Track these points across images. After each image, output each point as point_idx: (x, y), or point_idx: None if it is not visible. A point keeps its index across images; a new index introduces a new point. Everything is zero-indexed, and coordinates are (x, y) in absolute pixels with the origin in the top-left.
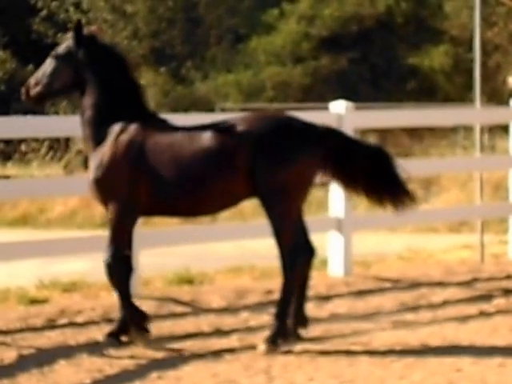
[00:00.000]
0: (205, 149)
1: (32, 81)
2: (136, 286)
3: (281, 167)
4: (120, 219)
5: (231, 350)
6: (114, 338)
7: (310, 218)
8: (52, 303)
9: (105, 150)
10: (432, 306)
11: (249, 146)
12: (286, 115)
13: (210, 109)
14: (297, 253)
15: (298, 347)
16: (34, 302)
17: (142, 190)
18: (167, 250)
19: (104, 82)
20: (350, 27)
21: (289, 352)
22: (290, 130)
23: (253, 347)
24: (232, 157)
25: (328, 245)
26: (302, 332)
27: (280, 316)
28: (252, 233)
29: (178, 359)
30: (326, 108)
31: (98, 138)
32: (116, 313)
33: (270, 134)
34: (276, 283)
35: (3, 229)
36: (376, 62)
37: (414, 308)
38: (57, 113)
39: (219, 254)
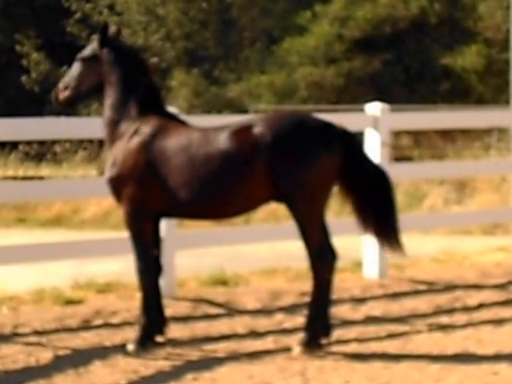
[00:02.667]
0: (221, 150)
1: (61, 85)
2: (171, 287)
3: (303, 167)
4: (133, 220)
5: (266, 352)
6: (143, 343)
7: (345, 220)
8: (87, 304)
9: (118, 151)
10: (467, 309)
11: (268, 146)
12: (302, 114)
13: (243, 110)
14: (325, 253)
15: (334, 349)
16: (69, 302)
17: (155, 192)
18: (202, 252)
19: (121, 83)
20: (383, 29)
21: (324, 354)
22: (310, 128)
23: (288, 349)
24: (250, 158)
25: (363, 247)
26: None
27: (314, 318)
28: (286, 234)
29: (213, 361)
30: (360, 110)
31: (113, 137)
32: None
33: (290, 134)
34: (311, 285)
35: (37, 229)
36: (409, 63)
37: (450, 311)
38: (89, 114)
39: (254, 255)
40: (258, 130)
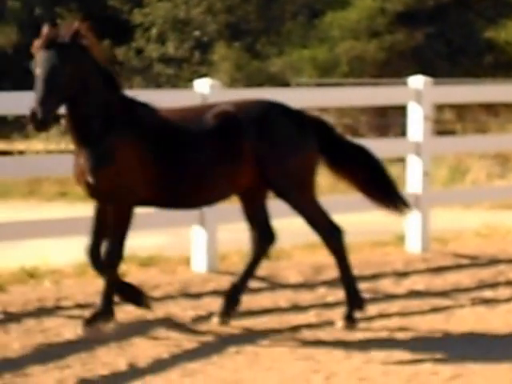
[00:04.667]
0: (206, 135)
1: None
2: (213, 260)
3: (291, 154)
4: (127, 215)
5: (308, 326)
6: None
7: None
8: (129, 277)
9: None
10: (510, 283)
11: (254, 133)
12: (272, 101)
13: (284, 84)
14: (332, 232)
15: (377, 323)
16: None
17: (143, 182)
18: (243, 226)
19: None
20: (426, 2)
21: (367, 328)
22: (291, 115)
23: (330, 323)
24: (236, 145)
25: (405, 221)
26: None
27: (351, 292)
28: (328, 208)
29: (256, 334)
30: (402, 83)
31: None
32: (193, 287)
33: (273, 121)
34: (353, 259)
35: (78, 203)
36: (452, 36)
37: (493, 285)
38: (131, 88)
39: (296, 229)
40: (241, 116)
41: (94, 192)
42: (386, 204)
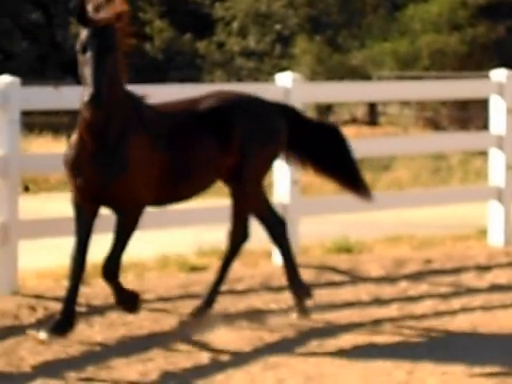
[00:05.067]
0: (202, 128)
1: None
2: (294, 254)
3: (268, 146)
4: (137, 222)
5: (390, 320)
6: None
7: (469, 187)
8: (211, 270)
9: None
10: None
11: (241, 125)
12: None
13: (365, 77)
14: (279, 220)
15: (459, 317)
16: (193, 269)
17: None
18: (325, 219)
19: None
20: None
21: (449, 322)
22: (267, 107)
23: (412, 316)
24: (227, 136)
25: (488, 214)
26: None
27: (296, 282)
28: (410, 201)
29: (338, 328)
30: (484, 77)
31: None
32: (275, 280)
33: (259, 112)
34: (435, 252)
35: None
36: None
37: None
38: (212, 81)
39: (377, 222)
40: (230, 107)
41: (108, 199)
42: (348, 186)
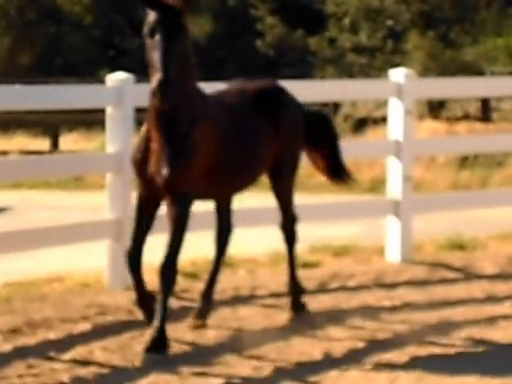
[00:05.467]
0: (254, 117)
1: None
2: (408, 251)
3: (300, 135)
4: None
5: (505, 317)
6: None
7: None
8: (323, 267)
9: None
10: None
11: (284, 114)
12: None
13: (478, 73)
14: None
15: None
16: (306, 265)
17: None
18: (438, 216)
19: None
20: None
21: None
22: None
23: None
24: (276, 125)
25: None
26: None
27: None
28: (498, 200)
29: (451, 325)
30: None
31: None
32: (388, 277)
33: (290, 102)
34: None
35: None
36: None
37: None
38: (323, 77)
39: (490, 219)
40: (275, 96)
41: (171, 190)
42: (331, 174)
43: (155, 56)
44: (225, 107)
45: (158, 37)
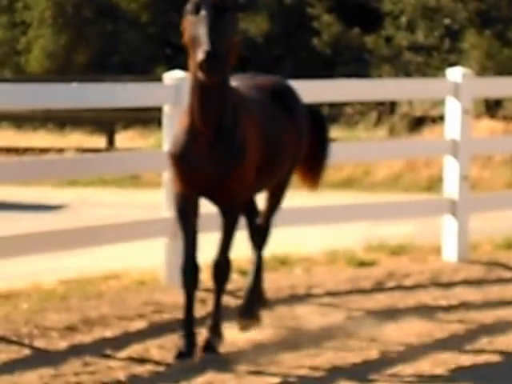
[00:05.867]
0: (279, 111)
1: None
2: (464, 250)
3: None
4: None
5: None
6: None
7: None
8: (380, 266)
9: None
10: None
11: (298, 111)
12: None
13: None
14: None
15: None
16: (361, 264)
17: None
18: (495, 215)
19: None
20: None
21: None
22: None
23: None
24: (294, 120)
25: None
26: None
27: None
28: None
29: (508, 325)
30: None
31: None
32: (444, 276)
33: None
34: None
35: (327, 191)
36: None
37: None
38: (380, 76)
39: None
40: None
41: (226, 187)
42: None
43: (201, 31)
44: (251, 100)
45: (203, 12)
